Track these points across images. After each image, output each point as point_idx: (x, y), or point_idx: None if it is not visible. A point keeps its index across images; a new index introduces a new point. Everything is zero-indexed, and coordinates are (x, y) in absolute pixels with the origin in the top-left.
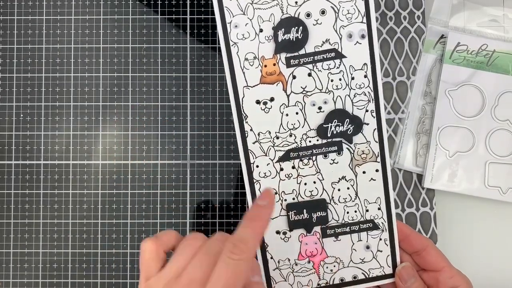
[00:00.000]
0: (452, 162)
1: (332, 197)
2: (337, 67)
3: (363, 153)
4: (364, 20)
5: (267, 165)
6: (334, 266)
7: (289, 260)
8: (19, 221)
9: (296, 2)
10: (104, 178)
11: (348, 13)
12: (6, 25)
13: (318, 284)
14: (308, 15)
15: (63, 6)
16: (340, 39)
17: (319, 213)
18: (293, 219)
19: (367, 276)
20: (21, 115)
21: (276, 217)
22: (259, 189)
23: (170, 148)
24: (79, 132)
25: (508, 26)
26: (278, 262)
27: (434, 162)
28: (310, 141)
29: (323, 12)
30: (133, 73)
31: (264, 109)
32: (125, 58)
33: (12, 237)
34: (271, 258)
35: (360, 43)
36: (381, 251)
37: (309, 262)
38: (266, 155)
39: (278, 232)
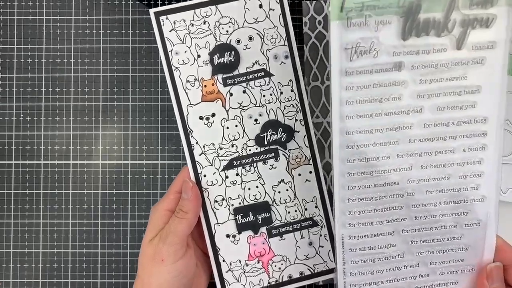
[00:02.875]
0: None
1: (274, 199)
2: (267, 84)
3: (297, 157)
4: (286, 43)
5: (213, 174)
6: (282, 264)
7: (240, 261)
8: (19, 221)
9: (227, 31)
10: (104, 178)
11: (272, 38)
12: (6, 25)
13: (269, 283)
14: (238, 41)
15: (63, 6)
16: (267, 60)
17: (263, 214)
18: (240, 222)
19: (313, 272)
20: (21, 115)
21: (225, 221)
22: (207, 197)
23: (170, 148)
24: (79, 132)
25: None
26: (230, 264)
27: None
28: (250, 150)
29: (250, 38)
30: (133, 73)
31: (207, 124)
32: (125, 58)
33: (12, 237)
34: (223, 261)
35: (285, 63)
36: (322, 247)
37: (258, 262)
38: (212, 165)
39: (228, 236)
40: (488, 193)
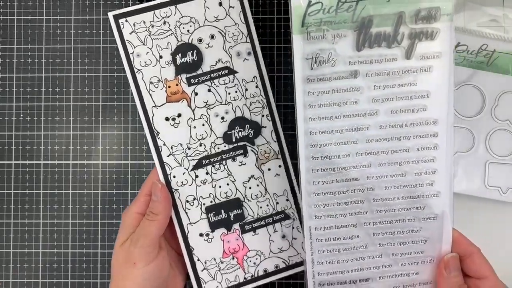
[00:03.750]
0: None
1: (245, 195)
2: (232, 82)
3: (266, 153)
4: (248, 40)
5: (183, 174)
6: (257, 259)
7: (214, 259)
8: (19, 221)
9: (188, 31)
10: (104, 178)
11: (234, 35)
12: (6, 25)
13: (245, 278)
14: (200, 40)
15: (63, 6)
16: (231, 57)
17: (235, 211)
18: (213, 220)
19: (288, 264)
20: (21, 115)
21: (198, 220)
22: (178, 198)
23: None
24: (79, 132)
25: (508, 26)
26: (205, 262)
27: None
28: (218, 148)
29: (212, 37)
30: None
31: (173, 125)
32: None
33: (12, 237)
34: (198, 260)
35: (248, 59)
36: (296, 239)
37: (233, 258)
38: (181, 165)
39: (201, 235)
40: (442, 189)
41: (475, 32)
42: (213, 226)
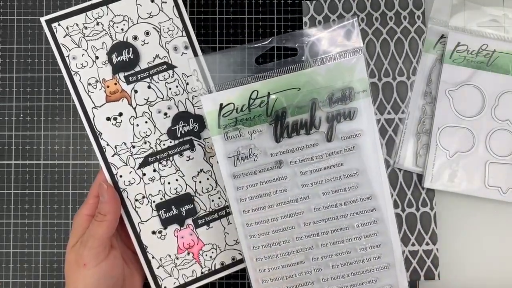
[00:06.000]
0: (452, 162)
1: (196, 190)
2: (172, 77)
3: (213, 145)
4: (184, 34)
5: (130, 173)
6: (213, 252)
7: (169, 256)
8: (19, 221)
9: (122, 29)
10: None
11: (169, 30)
12: (6, 25)
13: (202, 273)
14: (135, 37)
15: (63, 6)
16: (168, 52)
17: (186, 206)
18: (164, 217)
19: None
20: (21, 115)
21: (149, 219)
22: (127, 197)
23: None
24: (79, 132)
25: (508, 26)
26: (160, 260)
27: (434, 162)
28: (164, 144)
29: (147, 33)
30: None
31: (115, 124)
32: None
33: (12, 237)
34: (153, 257)
35: (186, 53)
36: None
37: (188, 253)
38: (126, 164)
39: (154, 232)
40: (391, 260)
41: (475, 32)
42: (165, 223)
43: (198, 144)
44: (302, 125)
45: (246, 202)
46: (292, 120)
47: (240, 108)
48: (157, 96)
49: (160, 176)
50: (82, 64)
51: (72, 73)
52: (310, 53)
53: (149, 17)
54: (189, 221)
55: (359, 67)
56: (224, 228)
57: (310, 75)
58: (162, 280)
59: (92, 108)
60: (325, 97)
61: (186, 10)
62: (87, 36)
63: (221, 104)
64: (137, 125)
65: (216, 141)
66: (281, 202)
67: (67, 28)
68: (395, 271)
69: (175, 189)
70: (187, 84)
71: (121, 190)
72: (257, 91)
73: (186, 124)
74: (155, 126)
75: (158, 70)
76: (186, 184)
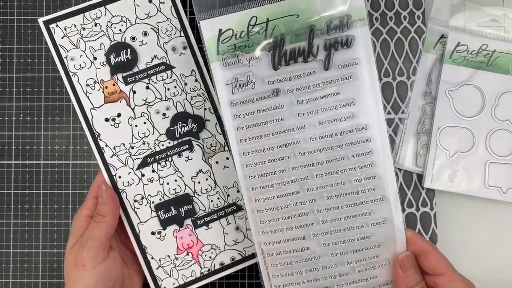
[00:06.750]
0: (452, 162)
1: (195, 190)
2: (170, 77)
3: (212, 146)
4: (182, 34)
5: (129, 174)
6: (212, 252)
7: (169, 256)
8: (19, 221)
9: (120, 30)
10: None
11: (167, 30)
12: (6, 25)
13: (201, 273)
14: (133, 38)
15: (63, 6)
16: (166, 53)
17: (185, 207)
18: (163, 217)
19: (244, 256)
20: (21, 115)
21: (148, 219)
22: (126, 198)
23: None
24: (79, 132)
25: (508, 26)
26: (160, 260)
27: (434, 162)
28: (163, 145)
29: (145, 34)
30: None
31: (114, 125)
32: None
33: (12, 237)
34: (152, 258)
35: (184, 53)
36: (250, 229)
37: (188, 254)
38: (125, 165)
39: (153, 233)
40: (386, 193)
41: (475, 32)
42: (164, 223)
43: (197, 144)
44: (300, 52)
45: (243, 130)
46: (290, 47)
47: (239, 35)
48: (156, 97)
49: (159, 177)
50: (80, 65)
51: (70, 74)
52: None
53: (147, 17)
54: (188, 221)
55: None
56: (223, 228)
57: (308, 1)
58: (162, 281)
59: (91, 109)
60: (323, 24)
61: (184, 10)
62: (85, 37)
63: (220, 30)
64: (136, 125)
65: (215, 68)
66: (278, 131)
67: (65, 29)
68: (390, 204)
69: (174, 189)
70: (186, 84)
71: (120, 191)
72: (256, 17)
73: (185, 125)
74: (153, 127)
75: (157, 70)
76: (185, 185)
